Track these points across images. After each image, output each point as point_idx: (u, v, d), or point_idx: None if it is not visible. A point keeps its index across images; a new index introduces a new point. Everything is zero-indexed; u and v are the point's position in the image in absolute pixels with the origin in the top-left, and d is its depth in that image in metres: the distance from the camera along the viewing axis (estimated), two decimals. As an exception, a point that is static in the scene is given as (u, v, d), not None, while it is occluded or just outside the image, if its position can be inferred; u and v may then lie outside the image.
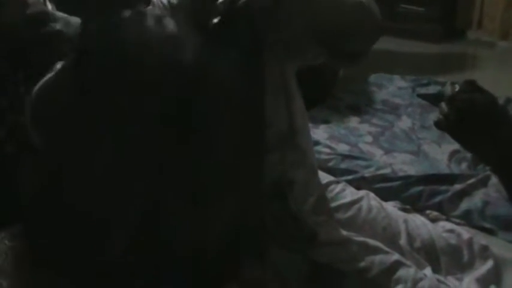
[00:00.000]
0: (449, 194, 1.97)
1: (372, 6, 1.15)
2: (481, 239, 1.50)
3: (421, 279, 1.28)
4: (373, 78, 2.99)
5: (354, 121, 2.54)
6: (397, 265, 1.29)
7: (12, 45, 1.41)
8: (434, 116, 2.50)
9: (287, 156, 1.33)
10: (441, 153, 2.28)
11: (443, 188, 1.99)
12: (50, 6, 1.47)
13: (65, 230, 0.93)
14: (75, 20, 1.49)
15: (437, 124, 0.96)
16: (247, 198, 1.06)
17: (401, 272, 1.28)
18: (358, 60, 1.19)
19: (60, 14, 1.47)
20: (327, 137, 2.32)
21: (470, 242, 1.42)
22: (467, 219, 1.89)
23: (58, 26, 1.41)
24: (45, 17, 1.44)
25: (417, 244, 1.40)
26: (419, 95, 2.83)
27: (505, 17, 3.85)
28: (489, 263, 1.40)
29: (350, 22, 1.11)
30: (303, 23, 1.11)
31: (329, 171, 1.78)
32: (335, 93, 2.78)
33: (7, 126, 1.39)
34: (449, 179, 2.04)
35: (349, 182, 1.67)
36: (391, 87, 2.91)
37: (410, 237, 1.40)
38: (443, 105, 0.93)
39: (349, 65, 1.38)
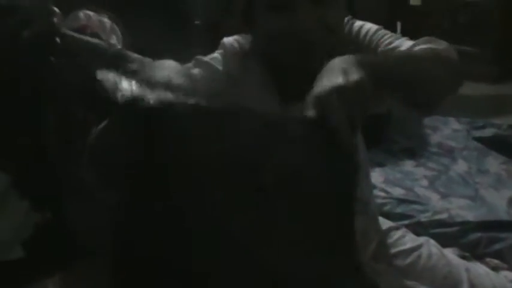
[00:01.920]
0: (509, 241, 1.92)
1: (451, 55, 1.14)
2: (545, 289, 1.46)
3: (484, 331, 1.25)
4: (427, 120, 2.96)
5: (409, 164, 2.52)
6: (459, 316, 1.27)
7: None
8: (491, 159, 2.51)
9: None
10: (499, 198, 2.23)
11: (503, 235, 1.94)
12: (115, 37, 1.52)
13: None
14: (148, 61, 1.53)
15: None
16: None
17: (464, 324, 1.26)
18: (432, 109, 1.17)
19: (135, 55, 1.52)
20: (382, 180, 2.31)
21: (534, 293, 1.39)
22: (529, 268, 1.84)
23: (134, 67, 1.45)
24: (123, 58, 1.49)
25: (480, 294, 1.37)
26: (475, 138, 2.79)
27: (562, 58, 3.79)
28: (554, 315, 1.36)
29: (428, 77, 1.08)
30: None
31: (385, 215, 1.77)
32: (389, 136, 2.77)
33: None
34: (509, 225, 1.99)
35: (405, 227, 1.65)
36: (446, 130, 2.88)
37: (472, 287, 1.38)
38: None
39: (422, 114, 1.36)
